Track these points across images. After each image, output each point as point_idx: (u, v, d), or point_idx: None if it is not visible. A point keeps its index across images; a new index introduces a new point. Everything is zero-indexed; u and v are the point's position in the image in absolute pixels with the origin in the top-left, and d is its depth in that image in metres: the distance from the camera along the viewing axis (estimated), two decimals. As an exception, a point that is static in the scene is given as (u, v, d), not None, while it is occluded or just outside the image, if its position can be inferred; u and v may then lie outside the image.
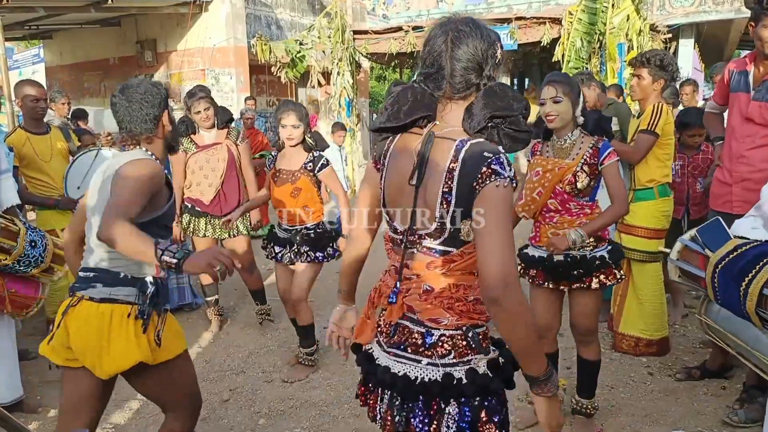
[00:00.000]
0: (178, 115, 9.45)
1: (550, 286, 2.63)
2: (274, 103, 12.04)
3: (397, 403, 1.49)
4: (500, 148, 1.42)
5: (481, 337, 1.49)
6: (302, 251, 3.37)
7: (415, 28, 9.38)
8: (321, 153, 3.44)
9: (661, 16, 10.86)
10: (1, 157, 3.10)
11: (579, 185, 2.53)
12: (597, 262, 2.56)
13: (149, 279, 1.98)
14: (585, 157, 2.54)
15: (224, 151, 3.98)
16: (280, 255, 3.46)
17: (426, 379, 1.45)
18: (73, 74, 12.89)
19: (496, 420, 1.45)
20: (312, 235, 3.39)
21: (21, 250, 2.73)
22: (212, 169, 3.97)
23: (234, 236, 4.06)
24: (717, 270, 2.27)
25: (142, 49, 11.15)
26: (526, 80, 14.28)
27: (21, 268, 2.79)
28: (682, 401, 3.04)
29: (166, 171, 2.11)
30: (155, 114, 2.03)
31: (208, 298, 4.28)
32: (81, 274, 2.02)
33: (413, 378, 1.46)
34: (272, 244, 3.52)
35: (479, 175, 1.35)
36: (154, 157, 2.06)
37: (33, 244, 2.80)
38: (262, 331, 4.23)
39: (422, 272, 1.48)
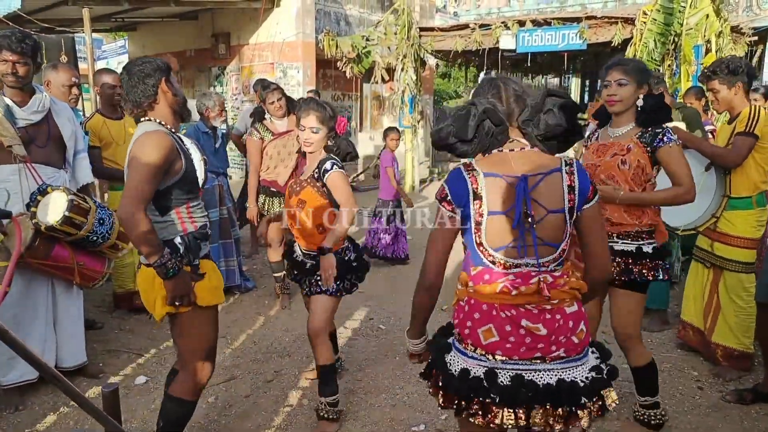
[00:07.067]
0: (247, 105, 9.73)
1: None
2: (340, 97, 12.21)
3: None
4: None
5: None
6: (315, 280, 2.76)
7: (481, 26, 9.28)
8: (332, 156, 2.75)
9: (747, 17, 10.25)
10: (78, 138, 3.35)
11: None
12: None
13: (177, 240, 2.18)
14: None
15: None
16: (299, 279, 2.91)
17: None
18: (153, 65, 13.53)
19: None
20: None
21: (90, 226, 2.94)
22: (288, 154, 4.42)
23: None
24: None
25: (216, 42, 11.59)
26: (599, 82, 13.84)
27: (89, 243, 3.02)
28: (731, 418, 2.92)
29: (178, 140, 2.21)
30: (152, 83, 2.17)
31: (276, 274, 4.60)
32: None
33: None
34: (294, 269, 2.93)
35: None
36: (162, 124, 2.20)
37: (101, 221, 3.01)
38: (311, 317, 4.36)
39: None
